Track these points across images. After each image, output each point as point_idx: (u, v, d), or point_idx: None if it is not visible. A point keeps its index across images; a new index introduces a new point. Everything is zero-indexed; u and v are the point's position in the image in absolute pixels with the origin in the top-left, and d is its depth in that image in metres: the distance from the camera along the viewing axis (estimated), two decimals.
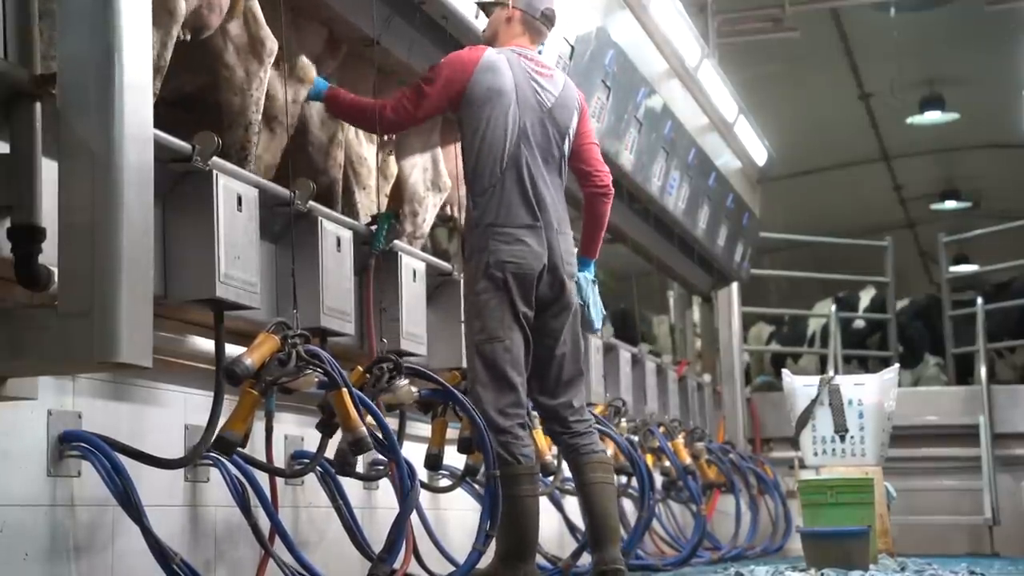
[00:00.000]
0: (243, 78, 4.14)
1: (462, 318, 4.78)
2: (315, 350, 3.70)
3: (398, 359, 4.27)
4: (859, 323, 12.43)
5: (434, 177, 5.40)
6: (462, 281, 4.77)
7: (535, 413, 4.86)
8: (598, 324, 4.88)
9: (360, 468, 4.45)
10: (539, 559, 5.66)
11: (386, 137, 5.03)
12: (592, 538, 4.61)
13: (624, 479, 6.69)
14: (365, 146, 4.90)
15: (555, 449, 5.38)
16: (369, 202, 4.87)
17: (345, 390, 3.73)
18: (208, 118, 4.17)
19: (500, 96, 4.51)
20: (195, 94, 4.27)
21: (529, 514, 4.41)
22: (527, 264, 4.45)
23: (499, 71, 4.53)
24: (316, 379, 3.79)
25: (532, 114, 4.56)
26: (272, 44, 4.16)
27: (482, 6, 4.83)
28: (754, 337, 13.60)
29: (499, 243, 4.44)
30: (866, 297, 12.87)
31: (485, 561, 4.63)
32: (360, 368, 4.26)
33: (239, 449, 3.65)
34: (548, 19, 4.77)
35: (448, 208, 5.89)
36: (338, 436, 3.86)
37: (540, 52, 4.81)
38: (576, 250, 4.75)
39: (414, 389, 4.42)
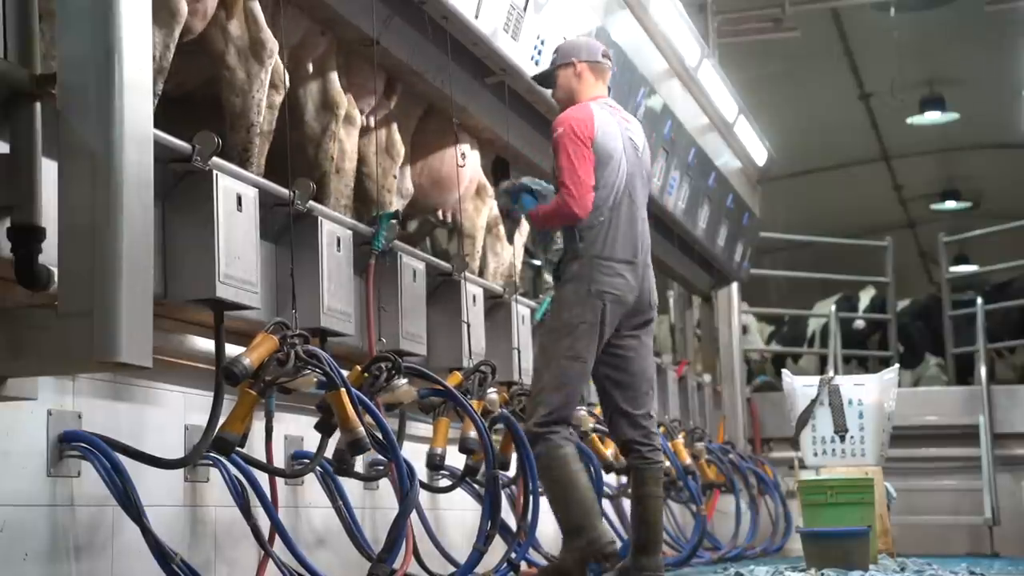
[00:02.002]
0: (244, 79, 4.14)
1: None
2: (314, 350, 3.69)
3: (397, 358, 4.28)
4: (859, 323, 12.41)
5: (399, 184, 5.42)
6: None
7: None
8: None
9: (359, 468, 4.45)
10: (538, 559, 5.67)
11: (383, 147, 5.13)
12: (638, 544, 4.88)
13: (624, 479, 6.69)
14: (342, 129, 4.89)
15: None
16: (343, 187, 4.86)
17: (344, 390, 3.72)
18: (213, 115, 4.19)
19: (612, 148, 4.81)
20: (197, 92, 4.28)
21: (587, 486, 4.77)
22: (623, 296, 4.78)
23: (610, 128, 4.83)
24: (315, 379, 3.78)
25: (633, 163, 4.90)
26: (272, 45, 4.16)
27: (543, 79, 5.11)
28: None
29: (602, 274, 4.75)
30: (866, 297, 12.86)
31: (486, 563, 4.65)
32: (359, 368, 4.26)
33: (239, 449, 3.65)
34: (608, 57, 5.06)
35: (442, 214, 5.90)
36: (338, 435, 3.86)
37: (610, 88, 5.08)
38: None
39: (413, 389, 4.43)
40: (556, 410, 4.70)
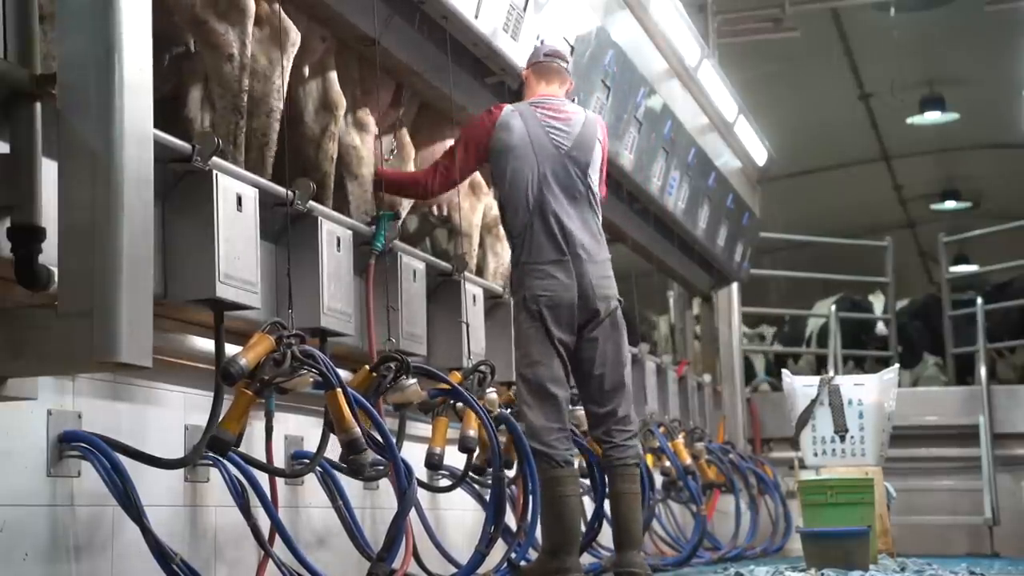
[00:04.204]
0: (266, 65, 4.16)
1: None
2: (310, 350, 3.68)
3: (405, 358, 4.29)
4: (881, 328, 12.31)
5: None
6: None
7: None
8: None
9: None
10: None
11: (391, 149, 5.14)
12: (617, 541, 4.99)
13: None
14: (355, 135, 4.90)
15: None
16: (361, 192, 4.86)
17: (339, 390, 3.72)
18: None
19: (517, 150, 4.90)
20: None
21: (573, 512, 4.82)
22: (557, 295, 4.84)
23: (512, 128, 4.91)
24: (311, 379, 3.77)
25: (551, 160, 4.93)
26: (295, 35, 4.20)
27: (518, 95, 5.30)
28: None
29: (532, 279, 4.86)
30: (878, 303, 12.82)
31: (487, 563, 4.65)
32: (367, 368, 4.27)
33: (239, 449, 3.64)
34: (555, 56, 5.13)
35: (437, 209, 5.89)
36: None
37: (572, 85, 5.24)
38: (609, 273, 5.01)
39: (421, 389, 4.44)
40: (540, 420, 4.76)
